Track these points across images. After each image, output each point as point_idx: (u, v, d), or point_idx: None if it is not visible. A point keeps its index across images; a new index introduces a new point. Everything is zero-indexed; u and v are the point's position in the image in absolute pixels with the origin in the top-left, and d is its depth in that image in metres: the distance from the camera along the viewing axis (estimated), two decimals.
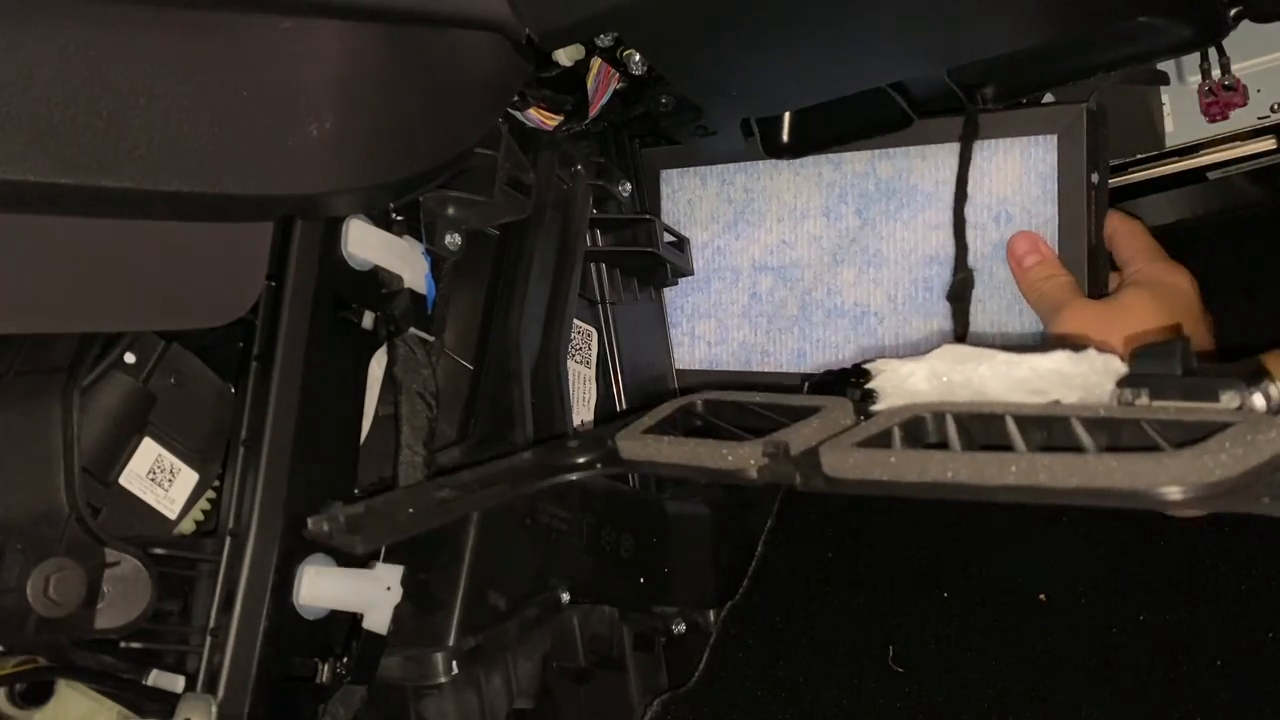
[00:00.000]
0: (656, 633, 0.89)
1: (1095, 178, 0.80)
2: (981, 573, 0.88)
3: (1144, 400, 0.49)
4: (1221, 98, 0.87)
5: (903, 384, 0.54)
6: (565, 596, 0.78)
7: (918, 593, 0.89)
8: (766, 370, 0.94)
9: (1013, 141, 0.83)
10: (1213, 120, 0.89)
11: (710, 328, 0.98)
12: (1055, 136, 0.81)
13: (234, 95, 0.57)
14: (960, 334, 0.75)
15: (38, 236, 0.55)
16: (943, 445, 0.49)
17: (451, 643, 0.70)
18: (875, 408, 0.54)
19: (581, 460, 0.62)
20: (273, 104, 0.59)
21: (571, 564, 0.79)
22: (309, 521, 0.56)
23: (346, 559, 0.67)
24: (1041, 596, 0.85)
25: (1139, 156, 0.92)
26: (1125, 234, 0.79)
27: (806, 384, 0.65)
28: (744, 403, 0.60)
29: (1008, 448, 0.46)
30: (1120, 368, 0.51)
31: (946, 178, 0.86)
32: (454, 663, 0.70)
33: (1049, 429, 0.48)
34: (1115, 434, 0.46)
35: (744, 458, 0.53)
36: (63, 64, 0.52)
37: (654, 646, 0.90)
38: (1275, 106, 0.87)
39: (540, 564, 0.77)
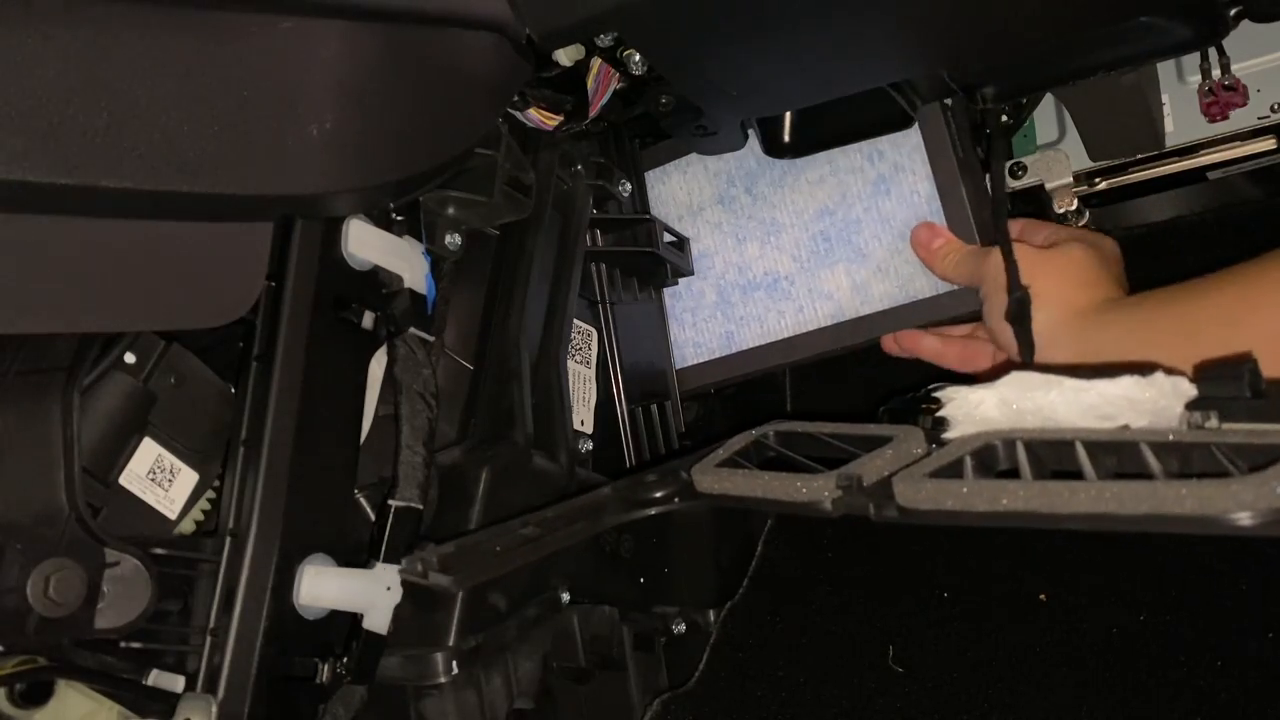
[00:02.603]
0: (656, 633, 0.89)
1: (962, 154, 0.85)
2: (981, 573, 0.88)
3: (1213, 423, 0.48)
4: (1221, 98, 0.87)
5: (973, 411, 0.54)
6: (565, 596, 0.78)
7: (918, 593, 0.89)
8: (701, 361, 0.98)
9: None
10: (1213, 120, 0.88)
11: None
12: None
13: (234, 95, 0.57)
14: (1026, 357, 0.75)
15: (38, 236, 0.55)
16: (1014, 473, 0.49)
17: (451, 643, 0.70)
18: (946, 435, 0.54)
19: (659, 494, 0.64)
20: (273, 104, 0.59)
21: (571, 564, 0.79)
22: (403, 561, 0.55)
23: (348, 559, 0.67)
24: (1042, 596, 0.85)
25: (1139, 156, 0.92)
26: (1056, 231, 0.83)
27: (881, 411, 0.65)
28: (816, 433, 0.60)
29: (1078, 474, 0.46)
30: (1189, 390, 0.50)
31: None
32: (454, 663, 0.70)
33: (1119, 454, 0.47)
34: (1185, 458, 0.46)
35: (818, 490, 0.53)
36: (63, 64, 0.52)
37: (654, 646, 0.89)
38: (1275, 106, 0.87)
39: (540, 564, 0.76)
